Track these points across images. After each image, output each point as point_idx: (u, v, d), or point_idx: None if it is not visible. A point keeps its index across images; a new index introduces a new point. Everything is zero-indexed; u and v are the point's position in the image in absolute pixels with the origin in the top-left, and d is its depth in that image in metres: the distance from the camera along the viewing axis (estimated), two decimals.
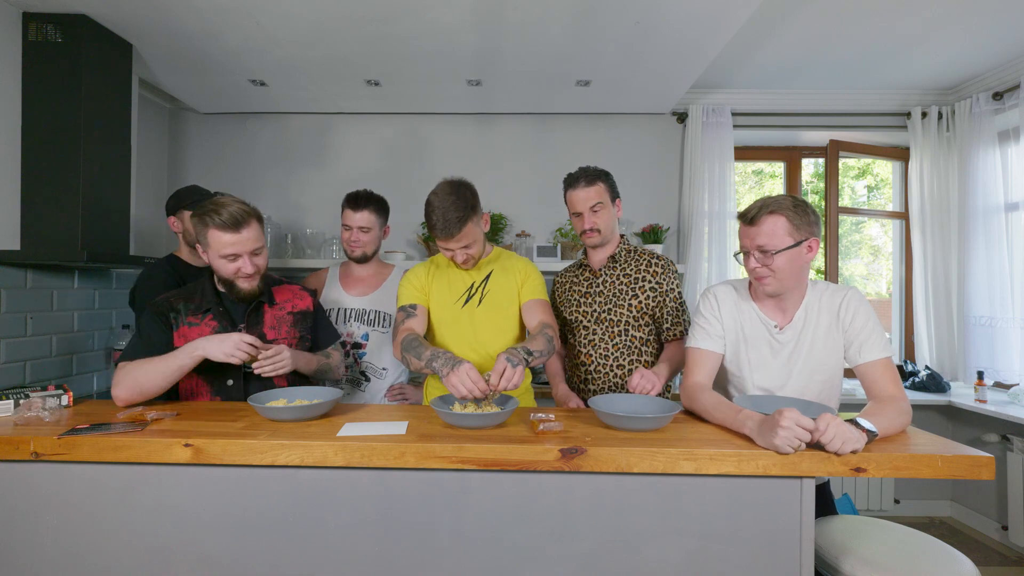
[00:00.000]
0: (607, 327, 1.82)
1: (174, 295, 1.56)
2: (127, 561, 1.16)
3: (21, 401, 1.35)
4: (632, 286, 1.81)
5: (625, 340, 1.81)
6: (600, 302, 1.84)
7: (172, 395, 1.52)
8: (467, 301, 1.70)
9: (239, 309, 1.56)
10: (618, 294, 1.81)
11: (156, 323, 1.49)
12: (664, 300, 1.80)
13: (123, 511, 1.16)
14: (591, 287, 1.87)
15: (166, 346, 1.46)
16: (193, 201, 2.02)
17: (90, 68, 2.19)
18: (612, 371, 1.82)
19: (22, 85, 2.14)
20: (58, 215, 2.13)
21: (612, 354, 1.82)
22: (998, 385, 2.95)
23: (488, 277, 1.73)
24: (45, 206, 2.14)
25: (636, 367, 1.79)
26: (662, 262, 1.83)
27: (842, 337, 1.40)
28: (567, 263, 3.01)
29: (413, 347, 1.49)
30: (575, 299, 1.90)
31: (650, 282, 1.80)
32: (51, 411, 1.35)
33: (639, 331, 1.81)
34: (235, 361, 1.38)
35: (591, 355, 1.84)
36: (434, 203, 1.56)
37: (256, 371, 1.42)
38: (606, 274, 1.85)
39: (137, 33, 2.32)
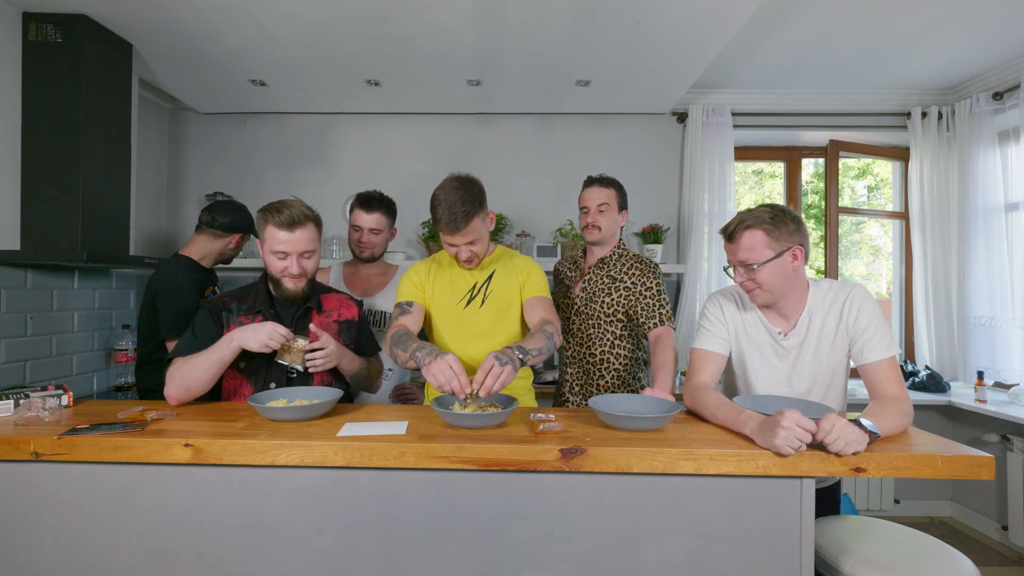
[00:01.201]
0: (584, 319, 2.00)
1: (228, 295, 1.59)
2: (127, 561, 1.16)
3: (21, 401, 1.35)
4: (610, 286, 1.96)
5: (599, 332, 1.96)
6: (582, 298, 2.00)
7: (215, 396, 1.53)
8: (469, 302, 1.68)
9: (289, 312, 1.57)
10: (597, 292, 1.97)
11: (209, 321, 1.53)
12: (638, 299, 1.92)
13: (123, 511, 1.16)
14: (575, 283, 2.05)
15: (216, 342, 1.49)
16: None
17: (90, 68, 2.19)
18: (585, 359, 2.00)
19: (22, 85, 2.14)
20: (58, 215, 2.13)
21: (586, 344, 1.99)
22: (998, 385, 2.95)
23: (491, 277, 1.71)
24: (45, 206, 2.14)
25: (607, 359, 1.95)
26: (642, 265, 1.97)
27: (847, 336, 1.39)
28: None
29: (401, 341, 1.47)
30: (561, 290, 2.12)
31: (625, 283, 1.95)
32: (51, 411, 1.34)
33: (612, 326, 1.95)
34: (267, 351, 1.41)
35: (570, 342, 2.05)
36: (440, 196, 1.55)
37: (307, 363, 1.45)
38: (592, 273, 2.00)
39: (137, 33, 2.32)
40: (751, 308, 1.49)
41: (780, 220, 1.36)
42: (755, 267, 1.36)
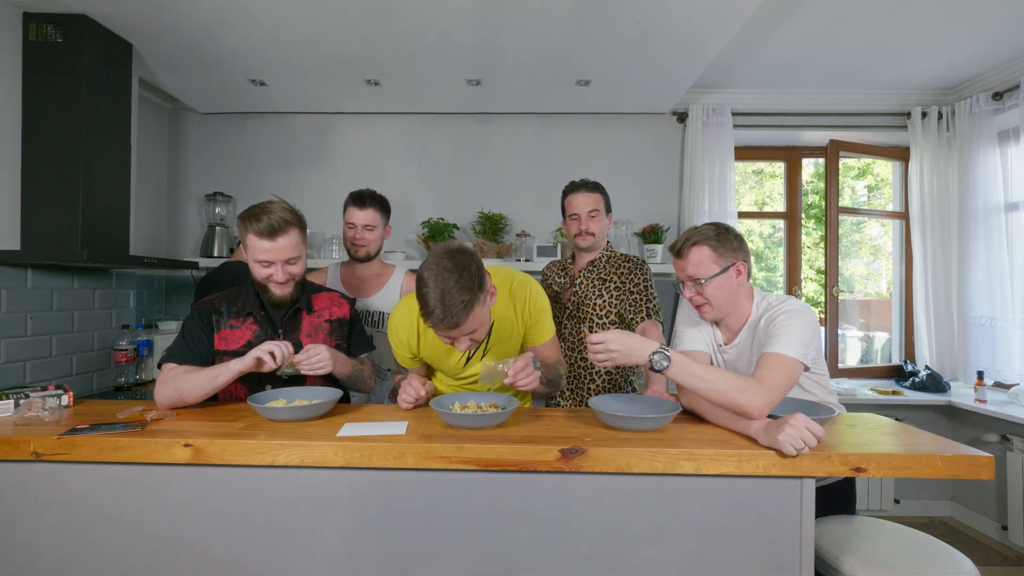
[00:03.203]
0: (576, 322, 2.00)
1: (218, 297, 1.57)
2: (127, 561, 1.16)
3: (21, 401, 1.35)
4: (599, 287, 1.97)
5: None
6: (573, 302, 2.00)
7: (211, 400, 1.52)
8: (469, 359, 1.57)
9: (279, 314, 1.56)
10: (588, 295, 1.98)
11: (199, 324, 1.51)
12: (627, 297, 1.94)
13: (123, 511, 1.16)
14: (566, 288, 2.05)
15: (207, 348, 1.48)
16: None
17: (90, 68, 2.19)
18: (577, 363, 2.00)
19: (22, 85, 2.14)
20: (58, 215, 2.13)
21: (577, 348, 1.99)
22: (998, 385, 2.95)
23: (490, 331, 1.52)
24: (45, 206, 2.14)
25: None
26: (630, 264, 1.98)
27: (760, 350, 1.36)
28: None
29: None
30: (551, 296, 2.09)
31: (615, 282, 1.96)
32: (51, 411, 1.35)
33: (603, 329, 1.96)
34: (268, 359, 1.36)
35: (561, 347, 2.00)
36: (429, 282, 1.24)
37: (297, 366, 1.42)
38: (583, 276, 2.01)
39: (137, 33, 2.32)
40: (704, 321, 1.57)
41: (724, 237, 1.43)
42: (703, 282, 1.42)
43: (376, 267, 2.11)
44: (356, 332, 1.67)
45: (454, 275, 1.23)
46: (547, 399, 2.16)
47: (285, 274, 1.47)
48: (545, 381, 1.47)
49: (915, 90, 3.24)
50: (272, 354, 1.36)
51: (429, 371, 1.71)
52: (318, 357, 1.42)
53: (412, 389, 1.40)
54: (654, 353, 1.21)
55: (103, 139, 2.27)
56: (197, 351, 1.46)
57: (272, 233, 1.41)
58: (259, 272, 1.47)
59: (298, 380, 1.54)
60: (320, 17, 2.17)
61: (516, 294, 1.54)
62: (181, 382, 1.39)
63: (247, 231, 1.43)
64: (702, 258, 1.42)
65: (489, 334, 1.53)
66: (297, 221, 1.48)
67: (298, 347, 1.54)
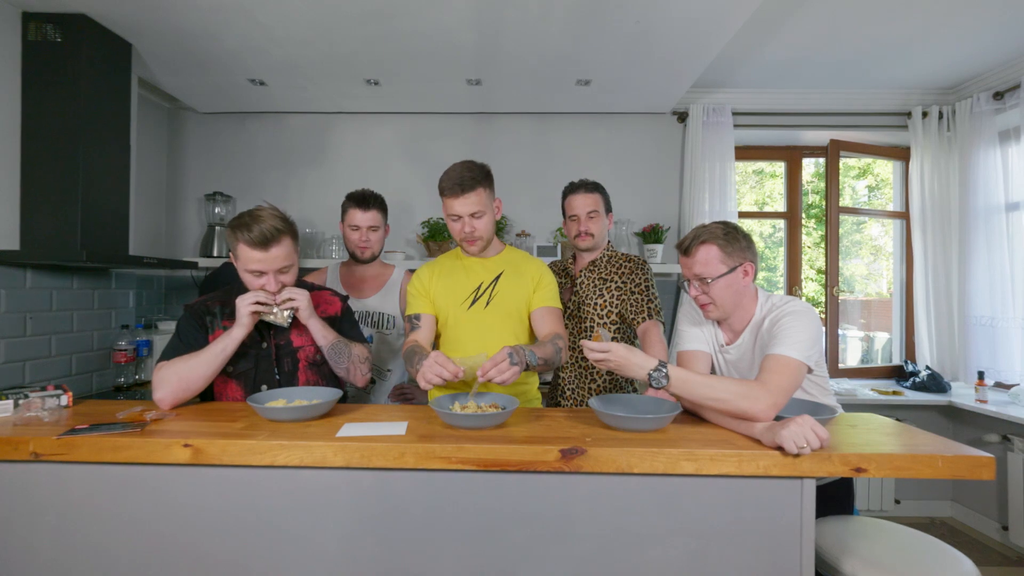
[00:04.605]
0: (577, 323, 2.00)
1: (211, 298, 1.57)
2: (127, 561, 1.15)
3: (20, 401, 1.35)
4: (600, 287, 1.97)
5: (591, 336, 1.96)
6: (574, 302, 2.00)
7: (210, 400, 1.52)
8: (474, 302, 1.64)
9: None
10: (588, 295, 1.98)
11: (193, 325, 1.51)
12: (628, 297, 1.93)
13: (123, 511, 1.16)
14: (567, 288, 2.04)
15: (203, 348, 1.47)
16: None
17: (90, 68, 2.19)
18: (578, 363, 2.01)
19: (22, 85, 2.14)
20: (58, 215, 2.13)
21: (579, 348, 1.97)
22: (999, 385, 2.95)
23: (498, 278, 1.65)
24: (45, 206, 2.14)
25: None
26: (631, 264, 1.98)
27: (763, 352, 1.35)
28: None
29: (409, 357, 1.50)
30: None
31: (616, 282, 1.96)
32: (50, 411, 1.34)
33: (605, 328, 1.95)
34: (259, 309, 1.41)
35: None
36: (448, 168, 1.58)
37: (281, 307, 1.45)
38: (584, 276, 2.01)
39: (137, 33, 2.32)
40: (706, 320, 1.55)
41: (733, 236, 1.42)
42: (709, 281, 1.41)
43: (376, 267, 2.11)
44: (346, 325, 1.65)
45: (468, 163, 1.58)
46: (548, 399, 2.16)
47: (277, 284, 1.45)
48: (534, 361, 1.44)
49: (916, 90, 3.23)
50: (260, 302, 1.40)
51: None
52: (293, 290, 1.46)
53: (439, 367, 1.29)
54: (653, 371, 1.21)
55: (102, 139, 2.26)
56: (193, 350, 1.45)
57: (264, 243, 1.38)
58: (251, 282, 1.45)
59: (291, 381, 1.54)
60: (320, 16, 2.17)
61: (531, 260, 1.72)
62: (182, 369, 1.39)
63: (237, 240, 1.40)
64: (710, 257, 1.40)
65: (497, 280, 1.64)
66: (289, 229, 1.45)
67: (289, 345, 1.55)
